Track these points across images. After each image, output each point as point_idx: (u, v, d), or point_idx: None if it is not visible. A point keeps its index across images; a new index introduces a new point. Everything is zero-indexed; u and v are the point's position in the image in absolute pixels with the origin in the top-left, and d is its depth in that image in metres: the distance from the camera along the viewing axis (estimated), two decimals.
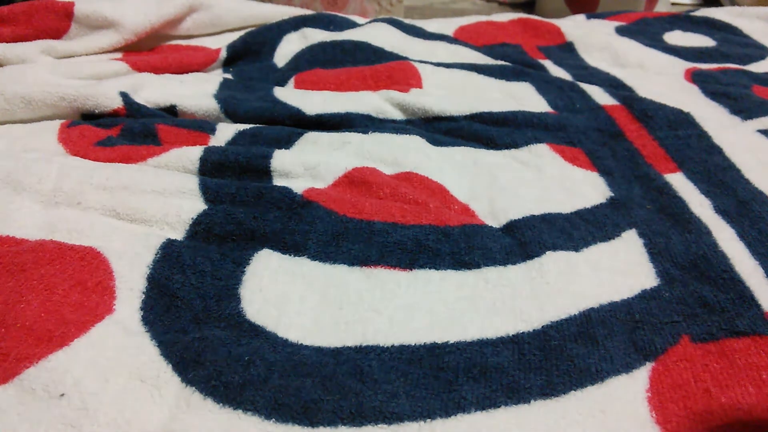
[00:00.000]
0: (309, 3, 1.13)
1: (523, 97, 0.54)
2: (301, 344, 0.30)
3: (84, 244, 0.33)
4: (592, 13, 0.80)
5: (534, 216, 0.39)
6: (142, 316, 0.31)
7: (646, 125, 0.49)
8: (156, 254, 0.34)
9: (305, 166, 0.42)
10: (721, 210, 0.40)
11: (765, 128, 0.48)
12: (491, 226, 0.39)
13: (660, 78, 0.58)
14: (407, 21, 0.70)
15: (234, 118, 0.50)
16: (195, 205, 0.38)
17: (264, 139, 0.46)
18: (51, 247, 0.32)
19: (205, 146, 0.44)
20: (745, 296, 0.33)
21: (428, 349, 0.30)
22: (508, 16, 0.75)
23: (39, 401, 0.27)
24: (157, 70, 0.55)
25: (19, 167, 0.38)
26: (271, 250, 0.35)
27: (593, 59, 0.64)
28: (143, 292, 0.32)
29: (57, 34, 0.55)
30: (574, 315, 0.32)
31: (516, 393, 0.29)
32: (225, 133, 0.47)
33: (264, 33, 0.65)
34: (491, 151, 0.47)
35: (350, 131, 0.47)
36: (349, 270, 0.35)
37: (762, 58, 0.63)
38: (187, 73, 0.57)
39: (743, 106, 0.51)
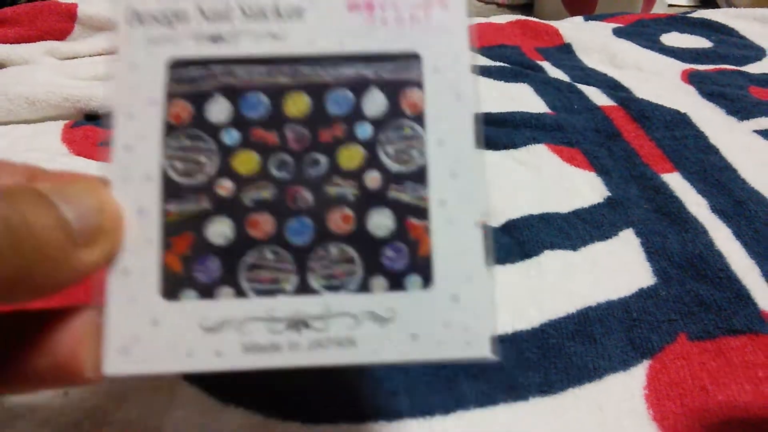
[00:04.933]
0: None
1: (521, 98, 0.54)
2: None
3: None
4: (589, 14, 0.80)
5: (532, 215, 0.39)
6: None
7: (643, 126, 0.49)
8: None
9: None
10: (717, 209, 0.40)
11: (761, 129, 0.49)
12: (489, 226, 0.39)
13: (657, 79, 0.58)
14: None
15: None
16: None
17: None
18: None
19: None
20: (741, 295, 0.33)
21: None
22: (506, 17, 0.75)
23: None
24: None
25: None
26: None
27: (591, 60, 0.65)
28: None
29: (60, 35, 0.55)
30: (572, 313, 0.33)
31: (514, 390, 0.29)
32: None
33: None
34: (489, 151, 0.47)
35: None
36: None
37: (758, 59, 0.64)
38: None
39: (740, 107, 0.52)
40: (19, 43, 0.52)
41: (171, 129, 0.20)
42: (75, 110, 0.47)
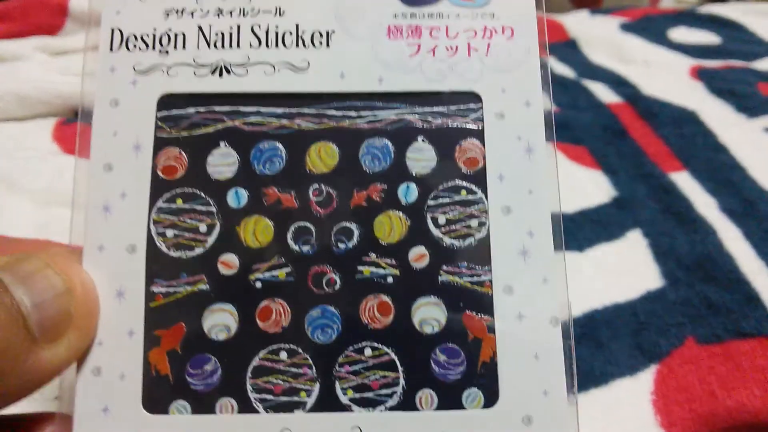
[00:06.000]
0: None
1: None
2: None
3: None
4: (595, 9, 0.79)
5: None
6: None
7: (650, 123, 0.48)
8: None
9: None
10: (726, 209, 0.39)
11: None
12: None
13: (665, 75, 0.58)
14: None
15: None
16: None
17: None
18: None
19: None
20: (750, 297, 0.33)
21: None
22: None
23: None
24: None
25: (13, 166, 0.37)
26: None
27: (597, 56, 0.64)
28: None
29: (52, 30, 0.54)
30: (578, 317, 0.32)
31: None
32: None
33: None
34: None
35: None
36: None
37: (767, 54, 0.63)
38: None
39: (749, 104, 0.51)
40: (10, 38, 0.52)
41: (161, 185, 0.16)
42: (66, 107, 0.47)
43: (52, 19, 0.54)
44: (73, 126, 0.45)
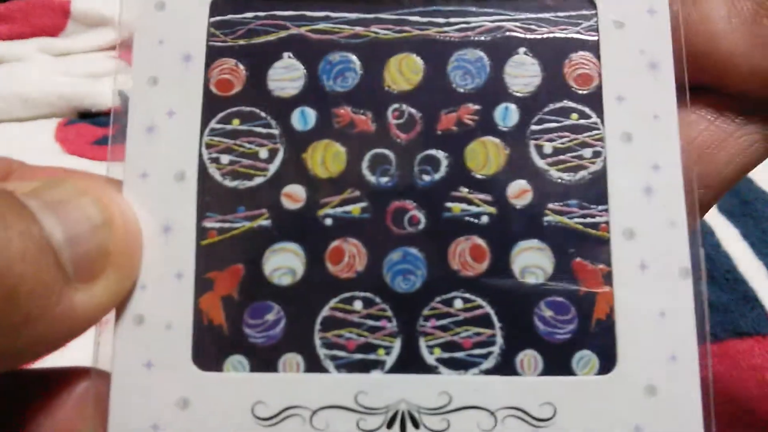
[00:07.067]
0: None
1: None
2: None
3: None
4: None
5: None
6: None
7: None
8: None
9: None
10: (724, 209, 0.39)
11: None
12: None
13: None
14: None
15: None
16: None
17: None
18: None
19: None
20: (748, 296, 0.33)
21: None
22: None
23: None
24: None
25: None
26: None
27: None
28: None
29: (54, 31, 0.54)
30: None
31: None
32: None
33: None
34: None
35: None
36: None
37: None
38: None
39: None
40: (13, 39, 0.52)
41: (215, 103, 0.14)
42: (69, 108, 0.47)
43: (54, 20, 0.54)
44: (75, 126, 0.45)
